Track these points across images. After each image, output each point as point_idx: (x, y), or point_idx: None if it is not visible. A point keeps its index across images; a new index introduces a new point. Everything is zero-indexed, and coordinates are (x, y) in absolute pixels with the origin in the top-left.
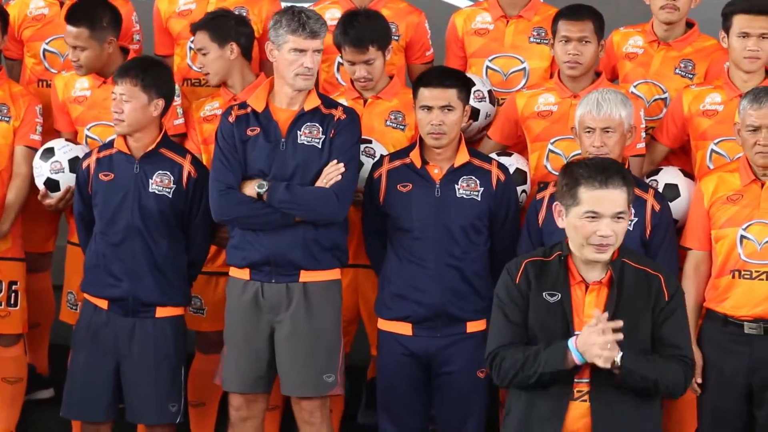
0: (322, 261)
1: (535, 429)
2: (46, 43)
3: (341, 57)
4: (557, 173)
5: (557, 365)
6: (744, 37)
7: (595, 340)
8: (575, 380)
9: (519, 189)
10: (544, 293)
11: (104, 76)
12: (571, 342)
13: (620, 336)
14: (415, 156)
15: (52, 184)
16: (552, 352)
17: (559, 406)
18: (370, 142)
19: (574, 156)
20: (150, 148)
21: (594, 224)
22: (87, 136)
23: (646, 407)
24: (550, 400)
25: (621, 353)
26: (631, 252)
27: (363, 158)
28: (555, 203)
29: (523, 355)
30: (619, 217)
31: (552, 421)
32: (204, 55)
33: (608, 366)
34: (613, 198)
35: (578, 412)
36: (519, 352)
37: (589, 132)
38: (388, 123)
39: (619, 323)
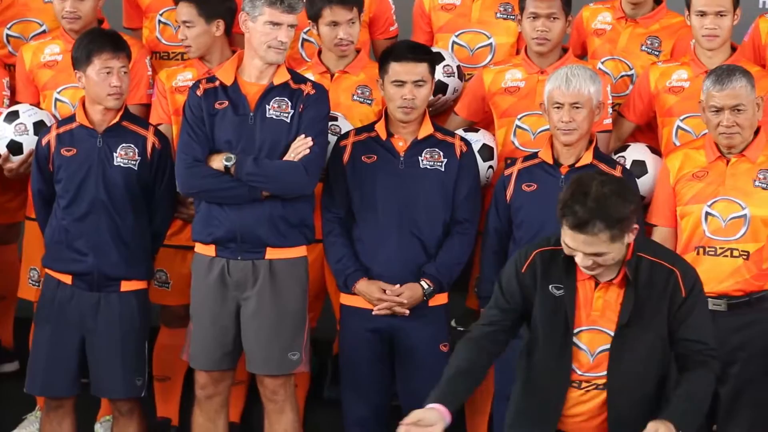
0: (289, 238)
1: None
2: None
3: (314, 28)
4: (524, 149)
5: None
6: (701, 15)
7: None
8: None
9: (486, 165)
10: (550, 286)
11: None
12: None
13: None
14: (380, 128)
15: (15, 147)
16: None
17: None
18: (335, 119)
19: (542, 132)
20: (113, 122)
21: (572, 252)
22: (57, 99)
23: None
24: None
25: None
26: (647, 245)
27: (329, 136)
28: None
29: (451, 362)
30: (595, 254)
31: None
32: (188, 27)
33: None
34: (587, 242)
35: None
36: (456, 355)
37: (558, 107)
38: (355, 98)
39: None
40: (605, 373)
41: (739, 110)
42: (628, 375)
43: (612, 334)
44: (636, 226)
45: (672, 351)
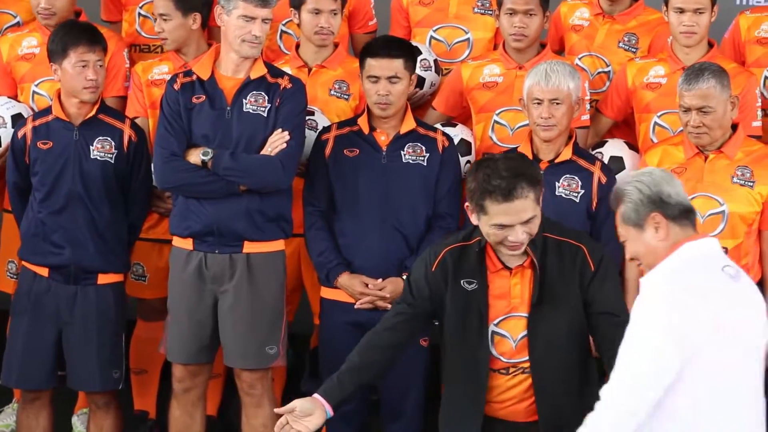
0: (266, 232)
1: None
2: None
3: (296, 17)
4: (502, 144)
5: None
6: (680, 12)
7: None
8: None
9: (463, 160)
10: (462, 281)
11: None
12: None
13: None
14: (363, 122)
15: None
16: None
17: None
18: (312, 114)
19: (520, 127)
20: (90, 115)
21: (504, 232)
22: (34, 92)
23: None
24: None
25: None
26: (552, 224)
27: (306, 131)
28: (466, 204)
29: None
30: (529, 221)
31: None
32: (165, 20)
33: None
34: (519, 208)
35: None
36: (356, 350)
37: (537, 103)
38: (332, 92)
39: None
40: (527, 357)
41: (705, 111)
42: (549, 354)
43: (526, 315)
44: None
45: (588, 325)
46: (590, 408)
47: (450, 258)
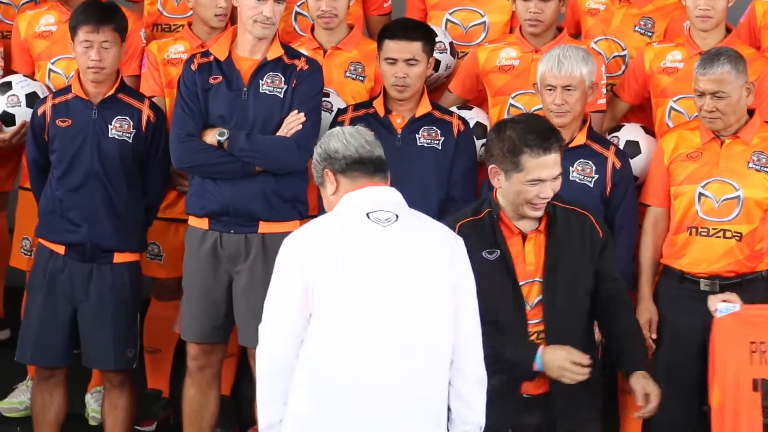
0: (282, 212)
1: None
2: None
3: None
4: None
5: (521, 365)
6: None
7: (562, 360)
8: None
9: (479, 143)
10: (483, 252)
11: (71, 10)
12: (539, 351)
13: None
14: (378, 105)
15: (7, 118)
16: (520, 352)
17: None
18: (328, 95)
19: (535, 110)
20: (109, 94)
21: (537, 188)
22: (51, 70)
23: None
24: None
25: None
26: (556, 194)
27: (321, 112)
28: (491, 166)
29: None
30: (557, 177)
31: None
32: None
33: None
34: (554, 162)
35: None
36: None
37: (550, 90)
38: (347, 74)
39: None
40: (541, 319)
41: (719, 96)
42: (562, 318)
43: (541, 280)
44: None
45: (596, 290)
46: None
47: (465, 230)
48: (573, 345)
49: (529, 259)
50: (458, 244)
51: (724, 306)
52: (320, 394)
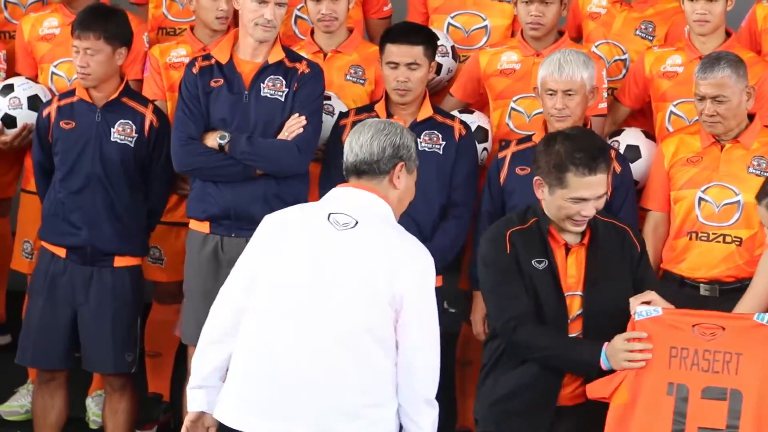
0: None
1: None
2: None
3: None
4: (519, 131)
5: (587, 363)
6: (692, 0)
7: (620, 344)
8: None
9: (480, 147)
10: (532, 261)
11: (75, 13)
12: (604, 347)
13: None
14: (380, 108)
15: (9, 120)
16: (588, 350)
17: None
18: (329, 98)
19: (536, 114)
20: (112, 97)
21: (579, 206)
22: (53, 72)
23: None
24: None
25: None
26: None
27: (322, 116)
28: (536, 177)
29: (554, 340)
30: (601, 197)
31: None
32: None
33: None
34: (599, 182)
35: None
36: (549, 335)
37: (551, 94)
38: (348, 77)
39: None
40: (580, 332)
41: (720, 100)
42: (600, 333)
43: (581, 294)
44: None
45: None
46: None
47: (517, 239)
48: None
49: (570, 272)
50: (417, 263)
51: (644, 309)
52: (247, 373)
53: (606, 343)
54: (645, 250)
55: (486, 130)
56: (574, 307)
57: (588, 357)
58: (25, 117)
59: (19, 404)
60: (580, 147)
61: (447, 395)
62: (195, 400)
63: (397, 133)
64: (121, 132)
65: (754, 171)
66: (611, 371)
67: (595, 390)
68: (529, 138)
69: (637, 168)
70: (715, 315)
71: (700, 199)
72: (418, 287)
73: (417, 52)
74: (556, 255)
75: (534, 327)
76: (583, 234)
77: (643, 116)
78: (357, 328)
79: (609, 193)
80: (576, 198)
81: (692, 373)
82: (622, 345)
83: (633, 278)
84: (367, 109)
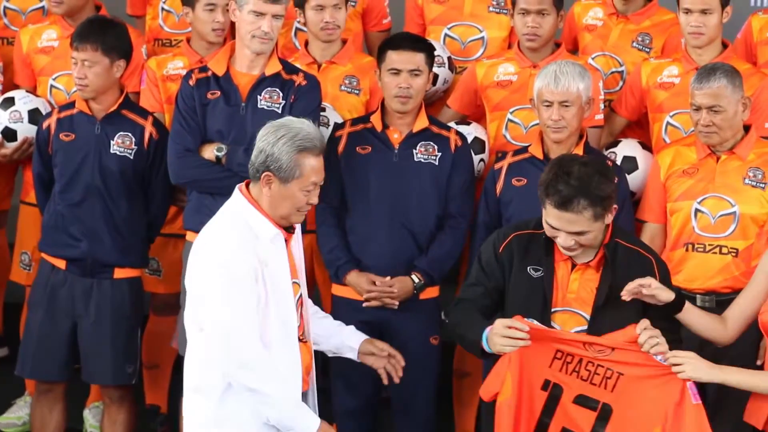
0: None
1: None
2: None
3: (301, 15)
4: (516, 142)
5: (474, 342)
6: (687, 12)
7: (499, 333)
8: None
9: (477, 158)
10: (528, 267)
11: (74, 25)
12: (487, 329)
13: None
14: (376, 119)
15: (9, 134)
16: (476, 331)
17: None
18: (324, 110)
19: (533, 126)
20: (112, 109)
21: (554, 232)
22: (52, 86)
23: None
24: None
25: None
26: (623, 232)
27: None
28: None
29: (463, 317)
30: (579, 234)
31: None
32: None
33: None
34: (570, 219)
35: None
36: (462, 312)
37: (547, 105)
38: (342, 88)
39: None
40: None
41: (715, 111)
42: None
43: (587, 317)
44: (616, 206)
45: None
46: None
47: (518, 243)
48: None
49: (572, 287)
50: (205, 252)
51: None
52: None
53: (489, 326)
54: (667, 284)
55: (483, 141)
56: (570, 323)
57: (475, 336)
58: (26, 130)
59: (16, 416)
60: (567, 179)
61: (445, 406)
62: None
63: (274, 142)
64: (121, 144)
65: (749, 182)
66: (492, 354)
67: (487, 388)
68: (525, 149)
69: (633, 179)
70: (609, 339)
71: (697, 210)
72: (203, 281)
73: (419, 59)
74: (557, 267)
75: (462, 305)
76: (594, 255)
77: (639, 127)
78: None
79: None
80: (549, 224)
81: (571, 378)
82: (501, 330)
83: (645, 308)
84: (363, 120)
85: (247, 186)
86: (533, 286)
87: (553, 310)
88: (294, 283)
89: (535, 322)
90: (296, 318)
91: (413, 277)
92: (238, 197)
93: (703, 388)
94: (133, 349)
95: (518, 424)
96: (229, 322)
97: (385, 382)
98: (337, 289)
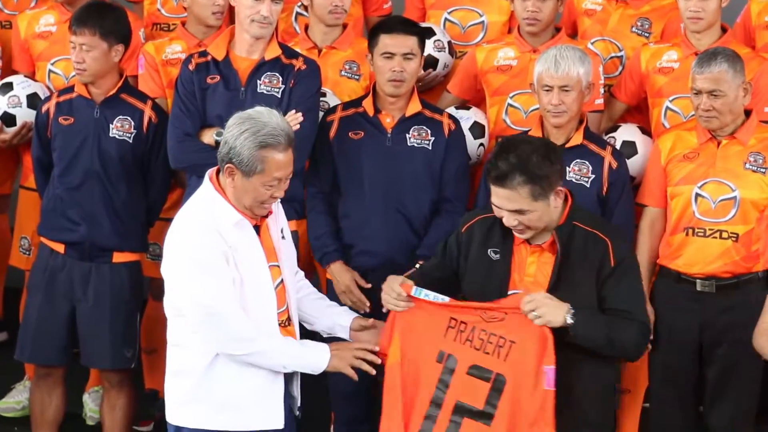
0: None
1: None
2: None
3: (305, 1)
4: (516, 127)
5: None
6: None
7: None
8: None
9: (477, 143)
10: (489, 250)
11: (71, 10)
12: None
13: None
14: (368, 104)
15: (8, 119)
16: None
17: None
18: (324, 95)
19: (533, 110)
20: (111, 93)
21: (498, 211)
22: (50, 71)
23: (601, 367)
24: None
25: (572, 311)
26: (584, 214)
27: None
28: None
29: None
30: (519, 212)
31: None
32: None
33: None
34: (506, 196)
35: None
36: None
37: (547, 90)
38: (343, 73)
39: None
40: None
41: (716, 95)
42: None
43: None
44: (562, 189)
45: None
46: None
47: (480, 225)
48: (578, 364)
49: (529, 270)
50: (174, 238)
51: (431, 293)
52: None
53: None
54: (624, 266)
55: (483, 126)
56: None
57: None
58: (25, 115)
59: (15, 401)
60: (507, 156)
61: None
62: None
63: (237, 135)
64: (120, 128)
65: (750, 167)
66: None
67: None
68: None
69: (633, 164)
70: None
71: (697, 195)
72: (170, 263)
73: (412, 42)
74: (516, 250)
75: (414, 275)
76: (548, 236)
77: (639, 112)
78: None
79: (604, 189)
80: (492, 203)
81: (464, 347)
82: (386, 287)
83: (599, 291)
84: (355, 105)
85: (218, 173)
86: (492, 268)
87: (510, 292)
88: (273, 266)
89: (431, 295)
90: (274, 302)
91: (418, 266)
92: (206, 184)
93: (702, 374)
94: (132, 333)
95: (413, 399)
96: (208, 299)
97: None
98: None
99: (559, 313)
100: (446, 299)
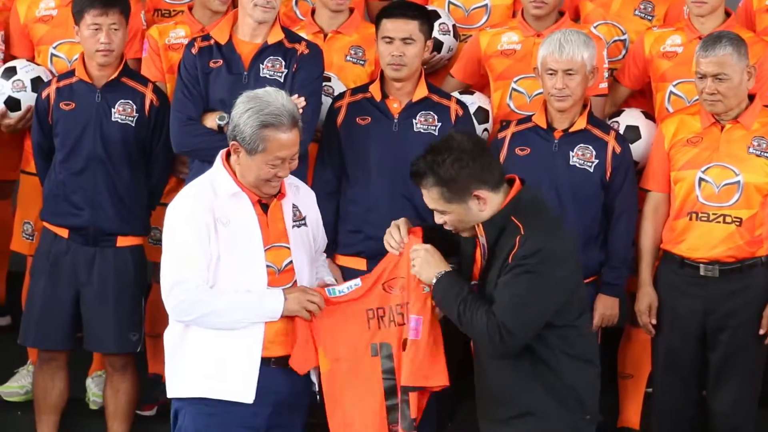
0: None
1: None
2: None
3: None
4: (520, 111)
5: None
6: None
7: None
8: None
9: (481, 127)
10: (467, 243)
11: None
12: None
13: None
14: (375, 89)
15: (12, 103)
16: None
17: None
18: (329, 80)
19: (537, 95)
20: (112, 77)
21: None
22: (52, 54)
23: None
24: None
25: (441, 274)
26: (530, 215)
27: (322, 97)
28: None
29: None
30: (441, 212)
31: None
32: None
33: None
34: (426, 195)
35: None
36: None
37: (551, 74)
38: (348, 58)
39: None
40: None
41: (720, 79)
42: None
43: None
44: (482, 197)
45: None
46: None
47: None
48: (502, 364)
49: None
50: (167, 220)
51: (344, 287)
52: None
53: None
54: (521, 265)
55: (486, 111)
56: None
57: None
58: (29, 99)
59: (18, 385)
60: (425, 152)
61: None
62: None
63: (242, 113)
64: (122, 112)
65: (754, 151)
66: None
67: (297, 359)
68: (528, 119)
69: (636, 148)
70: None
71: (701, 179)
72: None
73: (412, 27)
74: (465, 242)
75: None
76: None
77: (642, 97)
78: None
79: (608, 174)
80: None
81: (390, 330)
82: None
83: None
84: (362, 90)
85: (228, 153)
86: (466, 259)
87: (472, 283)
88: (281, 247)
89: (345, 288)
90: (263, 278)
91: None
92: (216, 161)
93: (706, 359)
94: (137, 317)
95: (365, 398)
96: (176, 247)
97: None
98: (339, 259)
99: (431, 270)
100: (359, 283)
